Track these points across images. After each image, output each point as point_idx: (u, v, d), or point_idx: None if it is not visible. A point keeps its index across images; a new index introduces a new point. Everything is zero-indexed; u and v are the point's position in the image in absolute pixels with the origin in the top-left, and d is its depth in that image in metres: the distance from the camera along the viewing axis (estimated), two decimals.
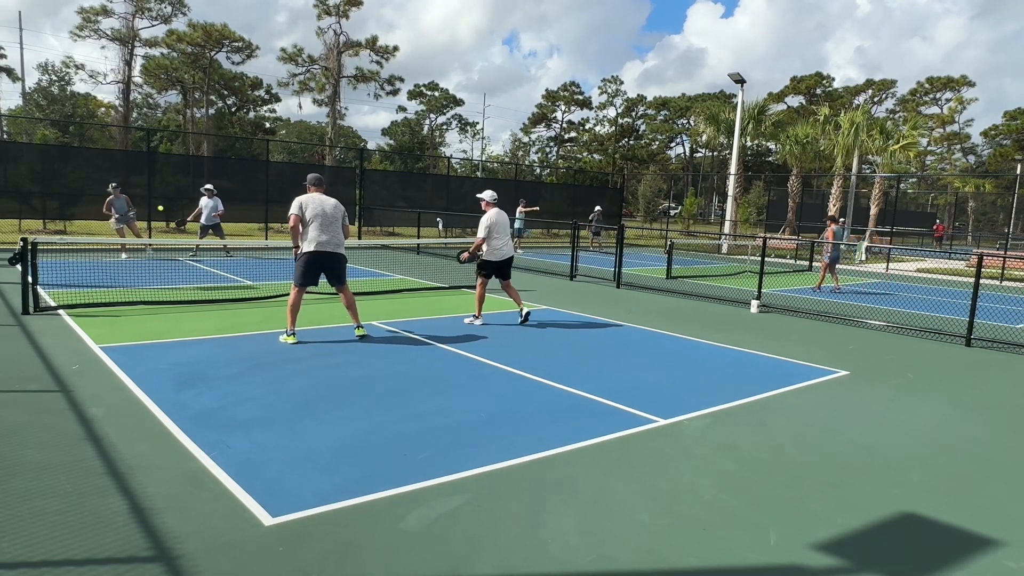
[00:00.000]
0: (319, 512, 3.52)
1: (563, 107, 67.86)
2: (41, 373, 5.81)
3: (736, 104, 30.91)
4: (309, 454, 4.29)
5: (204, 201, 15.52)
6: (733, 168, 29.48)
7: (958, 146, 66.46)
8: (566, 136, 70.16)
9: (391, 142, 63.50)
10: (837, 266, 15.20)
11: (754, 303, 11.47)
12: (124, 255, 14.86)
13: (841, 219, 15.91)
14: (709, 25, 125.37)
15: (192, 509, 3.49)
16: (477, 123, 72.80)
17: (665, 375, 6.79)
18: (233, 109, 52.24)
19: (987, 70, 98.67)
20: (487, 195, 8.93)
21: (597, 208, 25.23)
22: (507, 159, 65.28)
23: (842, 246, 16.27)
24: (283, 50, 45.83)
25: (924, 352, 8.67)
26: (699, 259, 23.46)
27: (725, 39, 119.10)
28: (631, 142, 71.11)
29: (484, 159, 64.13)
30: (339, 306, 9.86)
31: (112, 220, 14.72)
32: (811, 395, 6.29)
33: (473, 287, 12.66)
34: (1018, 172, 45.73)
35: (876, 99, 62.90)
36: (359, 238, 22.76)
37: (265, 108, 54.50)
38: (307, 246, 7.19)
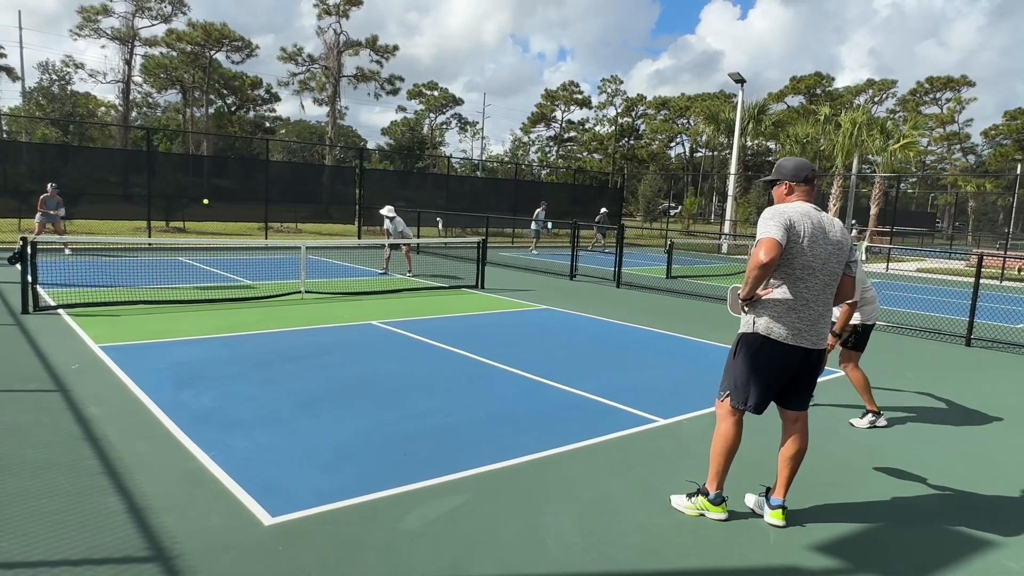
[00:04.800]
0: (319, 512, 3.51)
1: (563, 107, 67.83)
2: (40, 372, 5.80)
3: (736, 104, 30.92)
4: (309, 454, 4.28)
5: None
6: (733, 168, 29.48)
7: (958, 146, 66.47)
8: (566, 136, 70.14)
9: (391, 141, 63.50)
10: None
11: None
12: (67, 251, 15.00)
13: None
14: (723, 27, 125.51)
15: (191, 509, 3.48)
16: (477, 123, 72.75)
17: (665, 375, 6.78)
18: (233, 108, 52.22)
19: (1001, 72, 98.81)
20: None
21: (603, 210, 25.60)
22: (507, 159, 65.28)
23: None
24: (283, 49, 45.79)
25: (924, 352, 8.67)
26: (699, 259, 23.46)
27: (739, 41, 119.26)
28: (631, 142, 71.07)
29: (484, 159, 64.16)
30: (339, 305, 9.87)
31: (38, 215, 14.87)
32: None
33: (473, 286, 12.67)
34: (1018, 172, 45.72)
35: (876, 99, 62.87)
36: (359, 237, 22.75)
37: (265, 108, 54.53)
38: (767, 320, 3.49)
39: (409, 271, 14.11)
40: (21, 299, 8.33)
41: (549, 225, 23.01)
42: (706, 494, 3.69)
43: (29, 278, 8.40)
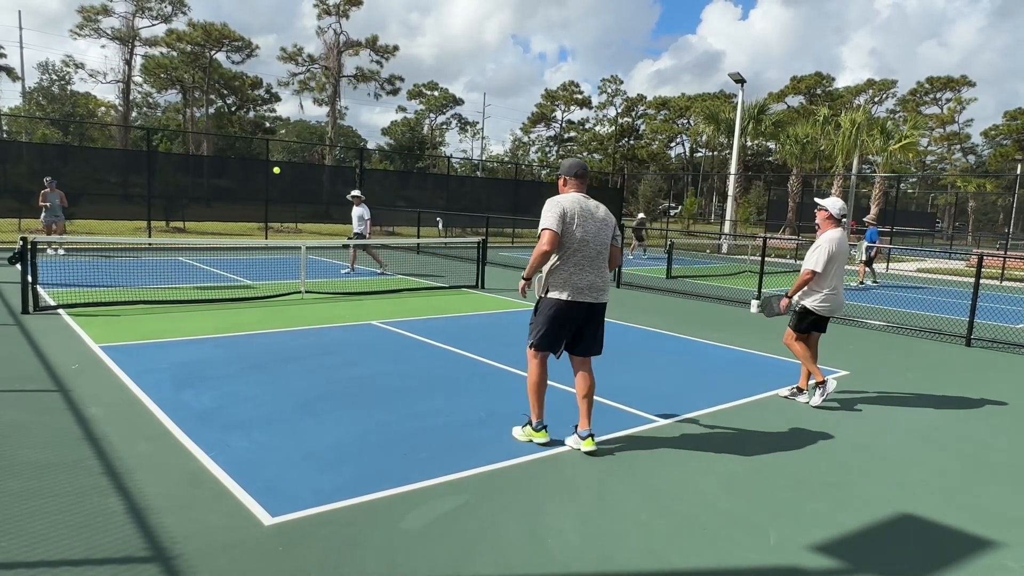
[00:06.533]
0: (319, 512, 3.51)
1: (563, 107, 67.84)
2: (41, 373, 5.80)
3: (736, 104, 30.92)
4: (309, 454, 4.28)
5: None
6: (733, 168, 29.48)
7: (958, 146, 66.44)
8: (566, 136, 70.14)
9: (391, 142, 63.51)
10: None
11: (754, 303, 11.46)
12: (61, 251, 14.61)
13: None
14: (724, 27, 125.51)
15: (191, 509, 3.48)
16: (477, 123, 72.72)
17: (665, 375, 6.78)
18: (233, 108, 52.23)
19: (1001, 72, 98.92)
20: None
21: (640, 215, 25.79)
22: (507, 159, 65.27)
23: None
24: (283, 49, 45.83)
25: (924, 352, 8.67)
26: (699, 259, 23.46)
27: (740, 41, 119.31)
28: (631, 142, 71.06)
29: (484, 159, 64.15)
30: (339, 305, 9.87)
31: (43, 215, 14.64)
32: None
33: (473, 286, 12.65)
34: (1018, 172, 45.70)
35: (876, 99, 62.86)
36: None
37: (265, 108, 54.53)
38: (557, 287, 4.40)
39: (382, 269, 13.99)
40: (21, 299, 8.33)
41: None
42: (531, 423, 4.59)
43: (29, 278, 8.40)
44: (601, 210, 4.53)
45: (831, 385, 5.86)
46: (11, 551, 3.01)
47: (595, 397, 5.75)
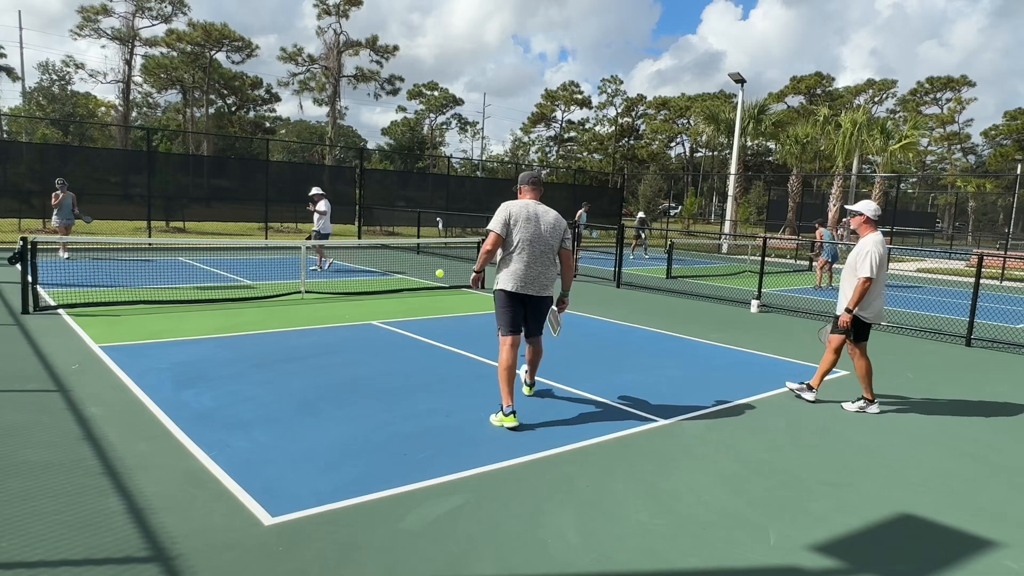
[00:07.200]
0: (319, 512, 3.51)
1: (563, 107, 67.82)
2: (41, 373, 5.80)
3: (736, 104, 30.92)
4: (309, 454, 4.28)
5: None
6: (733, 168, 29.48)
7: (958, 146, 66.44)
8: (566, 136, 70.13)
9: (391, 141, 63.50)
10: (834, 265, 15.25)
11: (754, 303, 11.47)
12: (65, 254, 14.24)
13: (832, 227, 15.92)
14: (724, 27, 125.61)
15: (191, 509, 3.48)
16: (477, 123, 72.69)
17: (665, 375, 6.78)
18: (233, 109, 52.22)
19: (1001, 72, 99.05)
20: None
21: (640, 215, 25.75)
22: (507, 159, 65.28)
23: (839, 246, 16.33)
24: (283, 49, 45.86)
25: (924, 352, 8.67)
26: (699, 259, 23.45)
27: (740, 41, 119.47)
28: (631, 142, 71.07)
29: (484, 159, 64.14)
30: (339, 305, 9.88)
31: (54, 218, 14.33)
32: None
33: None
34: (1018, 172, 45.70)
35: (876, 99, 62.86)
36: (359, 237, 22.75)
37: (265, 108, 54.52)
38: (504, 279, 5.09)
39: (323, 266, 14.10)
40: (21, 299, 8.33)
41: (593, 233, 22.03)
42: (501, 409, 4.93)
43: (29, 278, 8.40)
44: (550, 215, 5.11)
45: (874, 408, 5.81)
46: (11, 551, 3.01)
47: (595, 397, 5.80)
